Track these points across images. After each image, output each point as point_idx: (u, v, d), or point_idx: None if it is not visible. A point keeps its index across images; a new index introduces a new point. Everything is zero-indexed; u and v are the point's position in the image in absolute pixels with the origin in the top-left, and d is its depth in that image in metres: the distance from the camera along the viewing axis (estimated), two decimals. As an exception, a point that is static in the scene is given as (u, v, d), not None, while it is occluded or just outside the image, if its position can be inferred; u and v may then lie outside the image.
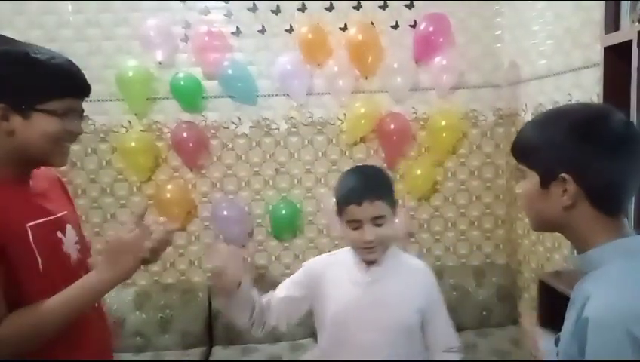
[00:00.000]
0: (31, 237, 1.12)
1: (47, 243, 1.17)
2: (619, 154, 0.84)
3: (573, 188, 0.85)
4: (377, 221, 1.33)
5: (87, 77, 1.21)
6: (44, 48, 1.18)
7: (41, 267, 1.13)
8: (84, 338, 1.21)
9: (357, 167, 1.51)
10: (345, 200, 1.35)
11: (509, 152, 3.36)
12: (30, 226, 1.13)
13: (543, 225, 0.95)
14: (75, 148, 2.86)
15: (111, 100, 2.85)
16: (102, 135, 2.90)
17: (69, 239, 1.25)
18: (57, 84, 1.15)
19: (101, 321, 1.32)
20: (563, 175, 0.85)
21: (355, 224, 1.34)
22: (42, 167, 1.26)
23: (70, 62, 1.19)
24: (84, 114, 1.25)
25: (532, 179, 0.91)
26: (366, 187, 1.34)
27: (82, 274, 1.26)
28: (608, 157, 0.83)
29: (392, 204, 1.38)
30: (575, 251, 0.93)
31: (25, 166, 1.19)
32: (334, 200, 1.42)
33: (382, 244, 1.37)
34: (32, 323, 1.08)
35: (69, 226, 1.26)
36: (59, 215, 1.24)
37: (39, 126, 1.13)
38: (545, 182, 0.89)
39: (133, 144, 2.82)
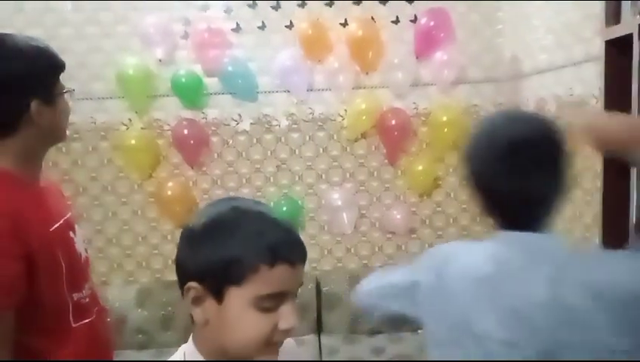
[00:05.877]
0: (55, 242, 1.13)
1: (66, 245, 1.18)
2: None
3: None
4: None
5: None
6: (18, 36, 1.18)
7: (64, 271, 1.13)
8: (89, 342, 1.20)
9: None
10: None
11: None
12: (52, 231, 1.13)
13: None
14: (75, 146, 2.88)
15: (111, 98, 2.84)
16: (102, 133, 2.90)
17: (78, 238, 1.26)
18: (56, 64, 1.22)
19: (103, 323, 1.32)
20: None
21: None
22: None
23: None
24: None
25: None
26: None
27: (88, 273, 1.28)
28: None
29: None
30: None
31: (41, 154, 1.23)
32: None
33: None
34: None
35: (76, 226, 1.28)
36: (68, 215, 1.25)
37: (60, 107, 1.21)
38: None
39: (133, 142, 2.81)
